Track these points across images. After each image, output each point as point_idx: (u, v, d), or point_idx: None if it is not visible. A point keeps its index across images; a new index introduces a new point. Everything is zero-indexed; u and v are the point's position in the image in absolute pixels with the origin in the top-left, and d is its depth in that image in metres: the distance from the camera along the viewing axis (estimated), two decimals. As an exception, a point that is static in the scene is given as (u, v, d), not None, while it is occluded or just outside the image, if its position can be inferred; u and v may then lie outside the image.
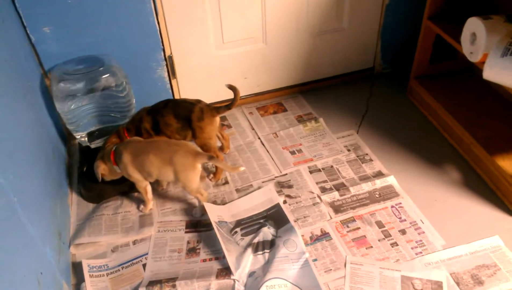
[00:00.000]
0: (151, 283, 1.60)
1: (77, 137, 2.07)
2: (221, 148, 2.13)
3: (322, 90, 2.54)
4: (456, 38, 1.94)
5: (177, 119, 1.85)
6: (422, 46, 2.29)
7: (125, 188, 1.93)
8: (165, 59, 2.18)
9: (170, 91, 2.29)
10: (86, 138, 2.07)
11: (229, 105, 1.84)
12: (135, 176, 1.76)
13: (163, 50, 2.15)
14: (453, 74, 2.39)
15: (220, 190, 1.97)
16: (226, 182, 2.00)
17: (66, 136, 2.15)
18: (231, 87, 1.83)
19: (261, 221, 1.81)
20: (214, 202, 1.89)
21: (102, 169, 1.75)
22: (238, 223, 1.81)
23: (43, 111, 1.92)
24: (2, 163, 1.26)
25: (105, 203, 1.89)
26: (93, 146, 2.06)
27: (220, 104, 1.92)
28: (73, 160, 2.10)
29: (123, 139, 1.87)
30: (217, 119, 1.89)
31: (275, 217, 1.81)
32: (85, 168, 1.94)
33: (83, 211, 1.89)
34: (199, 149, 1.80)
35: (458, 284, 1.55)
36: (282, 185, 1.97)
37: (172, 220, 1.85)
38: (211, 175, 2.01)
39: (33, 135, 1.68)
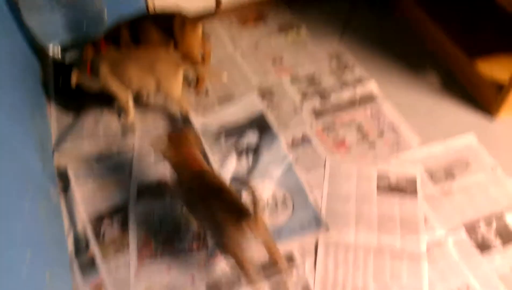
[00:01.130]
0: (141, 186, 1.64)
1: (50, 49, 1.99)
2: (202, 60, 2.09)
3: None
4: None
5: (158, 30, 1.79)
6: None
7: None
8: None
9: (144, 1, 2.18)
10: (59, 51, 2.00)
11: (209, 13, 1.77)
12: (115, 88, 1.73)
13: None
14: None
15: (202, 100, 1.96)
16: (207, 93, 1.99)
17: (38, 50, 2.07)
18: None
19: (246, 127, 1.83)
20: (196, 112, 1.89)
21: (76, 78, 1.72)
22: (223, 129, 1.84)
23: (11, 23, 1.83)
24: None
25: (85, 113, 1.88)
26: (67, 59, 2.00)
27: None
28: (47, 72, 2.03)
29: (99, 50, 1.81)
30: (199, 26, 1.83)
31: (259, 125, 1.84)
32: (60, 83, 1.90)
33: (63, 121, 1.87)
34: (179, 57, 1.77)
35: (431, 177, 1.64)
36: (263, 94, 1.97)
37: (152, 130, 1.85)
38: (193, 86, 1.99)
39: (3, 47, 1.61)
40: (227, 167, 1.68)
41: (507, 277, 1.40)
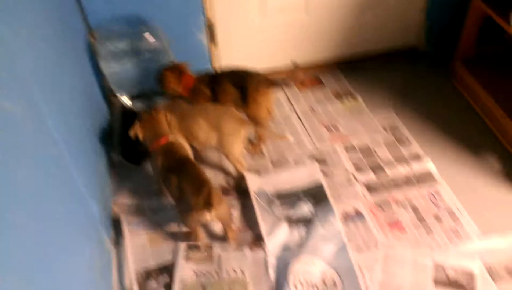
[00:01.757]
0: (189, 247, 1.64)
1: (119, 97, 2.08)
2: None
3: (362, 66, 2.48)
4: (507, 20, 1.85)
5: (235, 88, 1.82)
6: (469, 27, 2.19)
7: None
8: (206, 24, 2.14)
9: (210, 57, 2.26)
10: (128, 99, 2.08)
11: (284, 80, 1.80)
12: (181, 142, 1.77)
13: (205, 14, 2.11)
14: (500, 59, 2.29)
15: (256, 162, 1.97)
16: (262, 154, 2.00)
17: (108, 96, 2.15)
18: (294, 64, 1.75)
19: (301, 196, 1.81)
20: (251, 173, 1.90)
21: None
22: (278, 195, 1.83)
23: (88, 69, 1.93)
24: (56, 117, 1.28)
25: (145, 164, 1.92)
26: (134, 107, 2.07)
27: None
28: (114, 120, 2.10)
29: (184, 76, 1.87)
30: (272, 92, 1.85)
31: (315, 195, 1.81)
32: (126, 131, 1.95)
33: (123, 170, 1.92)
34: (245, 117, 1.80)
35: (491, 276, 1.55)
36: (317, 161, 1.96)
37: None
38: (250, 146, 2.01)
39: (79, 92, 1.70)
40: (277, 237, 1.66)
41: None
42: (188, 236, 1.64)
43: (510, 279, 1.54)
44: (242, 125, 1.72)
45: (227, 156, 1.78)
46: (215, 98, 1.86)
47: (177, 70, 1.87)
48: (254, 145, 2.00)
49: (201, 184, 1.49)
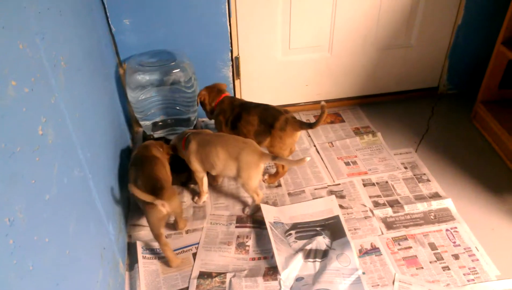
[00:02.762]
0: (202, 274, 1.65)
1: (142, 125, 2.17)
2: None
3: (382, 104, 2.52)
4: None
5: (260, 122, 1.86)
6: (492, 71, 2.22)
7: (182, 179, 2.00)
8: (232, 60, 2.25)
9: (233, 91, 2.35)
10: (151, 127, 2.17)
11: (312, 124, 1.79)
12: (196, 165, 1.83)
13: (231, 50, 2.22)
14: (521, 102, 2.30)
15: (273, 192, 2.00)
16: (279, 185, 2.03)
17: (132, 123, 2.26)
18: (323, 107, 1.76)
19: (318, 229, 1.82)
20: (266, 203, 1.93)
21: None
22: (294, 226, 1.84)
23: (116, 98, 2.04)
24: (84, 141, 1.37)
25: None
26: (156, 135, 2.16)
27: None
28: (135, 147, 2.20)
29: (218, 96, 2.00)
30: (298, 133, 1.88)
31: (332, 229, 1.82)
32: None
33: (142, 196, 1.98)
34: (264, 150, 1.84)
35: (512, 318, 1.50)
36: (334, 195, 1.97)
37: (223, 214, 1.90)
38: (266, 176, 2.05)
39: (107, 119, 1.79)
40: (291, 268, 1.65)
41: None
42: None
43: (531, 323, 1.49)
44: (261, 158, 1.75)
45: (244, 187, 1.82)
46: (237, 124, 1.90)
47: (216, 88, 1.99)
48: (271, 176, 2.04)
49: (154, 181, 1.62)
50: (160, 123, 2.19)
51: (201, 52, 2.19)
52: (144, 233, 1.82)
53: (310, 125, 1.80)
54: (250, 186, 1.79)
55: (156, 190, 1.58)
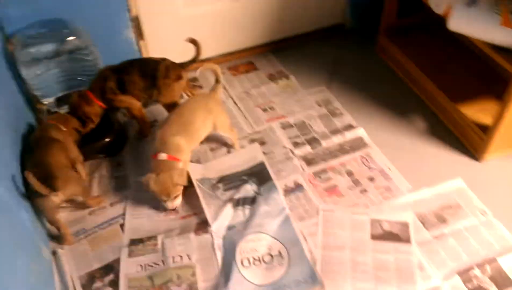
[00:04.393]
0: (133, 242, 1.64)
1: (45, 103, 2.03)
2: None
3: (293, 48, 2.55)
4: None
5: (143, 78, 1.84)
6: (389, 1, 2.31)
7: (96, 153, 1.92)
8: (132, 20, 2.13)
9: (138, 52, 2.25)
10: (55, 104, 2.03)
11: (193, 59, 1.85)
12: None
13: (129, 10, 2.10)
14: (420, 28, 2.44)
15: (194, 150, 1.98)
16: (201, 142, 2.02)
17: (33, 102, 2.10)
18: (192, 41, 1.83)
19: (244, 178, 1.85)
20: (190, 161, 1.91)
21: None
22: (221, 179, 1.85)
23: (8, 78, 1.86)
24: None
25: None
26: (62, 111, 2.03)
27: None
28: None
29: (90, 102, 1.85)
30: (183, 76, 1.89)
31: (258, 175, 1.85)
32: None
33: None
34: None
35: (423, 223, 1.66)
36: (255, 142, 2.00)
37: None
38: None
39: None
40: (222, 219, 1.68)
41: (505, 324, 1.39)
42: (58, 239, 1.64)
43: (439, 223, 1.65)
44: (214, 97, 1.88)
45: (223, 131, 1.89)
46: (124, 89, 1.86)
47: (86, 97, 1.86)
48: None
49: (45, 169, 1.54)
50: (65, 98, 2.05)
51: (96, 15, 2.04)
52: (66, 214, 1.74)
53: (192, 61, 1.88)
54: (228, 126, 1.89)
55: (48, 179, 1.50)
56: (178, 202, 1.69)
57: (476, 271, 1.51)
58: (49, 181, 1.50)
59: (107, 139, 1.92)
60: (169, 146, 1.67)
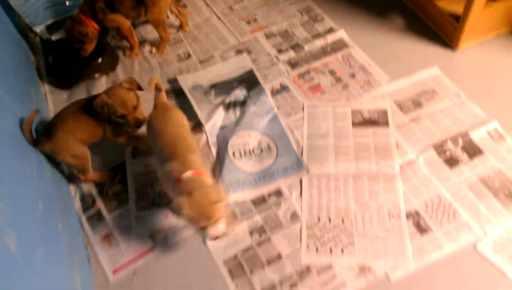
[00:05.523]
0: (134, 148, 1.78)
1: (37, 31, 2.09)
2: (181, 26, 2.20)
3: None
4: None
5: None
6: None
7: (92, 73, 2.02)
8: None
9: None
10: (46, 31, 2.10)
11: None
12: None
13: None
14: None
15: (184, 63, 2.08)
16: (189, 56, 2.11)
17: (27, 34, 2.16)
18: None
19: (235, 84, 1.95)
20: (182, 73, 2.02)
21: None
22: (213, 86, 1.96)
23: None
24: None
25: (76, 88, 2.00)
26: (54, 38, 2.10)
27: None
28: (38, 56, 2.13)
29: (84, 23, 1.91)
30: None
31: (248, 82, 1.96)
32: (50, 58, 2.01)
33: (58, 98, 1.99)
34: None
35: (401, 109, 1.78)
36: (241, 52, 2.09)
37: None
38: (154, 50, 2.12)
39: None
40: (214, 120, 1.81)
41: (474, 186, 1.55)
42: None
43: (414, 108, 1.78)
44: None
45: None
46: (114, 8, 1.91)
47: (79, 19, 1.90)
48: (157, 48, 2.12)
49: None
50: (54, 24, 2.11)
51: None
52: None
53: None
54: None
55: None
56: (221, 228, 1.34)
57: (449, 144, 1.66)
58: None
59: (100, 60, 2.01)
60: (188, 165, 1.39)
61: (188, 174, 1.35)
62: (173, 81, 1.98)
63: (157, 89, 1.60)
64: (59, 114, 1.61)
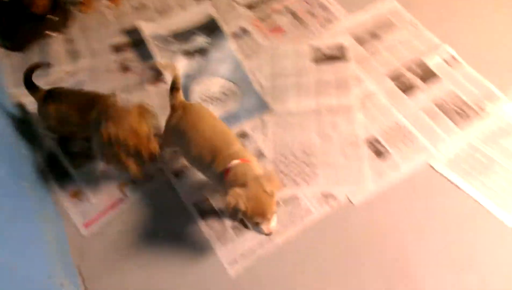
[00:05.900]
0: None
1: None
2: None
3: None
4: None
5: None
6: None
7: (44, 30, 1.96)
8: None
9: None
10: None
11: None
12: None
13: None
14: None
15: (143, 14, 2.03)
16: (145, 6, 2.06)
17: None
18: None
19: (195, 31, 1.93)
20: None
21: None
22: (174, 35, 1.93)
23: None
24: None
25: (31, 51, 1.94)
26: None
27: None
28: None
29: None
30: None
31: (209, 28, 1.94)
32: (4, 20, 1.94)
33: (13, 62, 1.93)
34: None
35: (359, 42, 1.80)
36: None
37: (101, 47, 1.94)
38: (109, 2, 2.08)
39: None
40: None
41: (429, 110, 1.61)
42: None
43: (371, 38, 1.80)
44: None
45: None
46: None
47: None
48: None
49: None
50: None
51: None
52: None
53: None
54: None
55: None
56: (275, 223, 1.25)
57: (406, 73, 1.70)
58: None
59: (51, 15, 1.95)
60: (235, 156, 1.28)
61: (236, 162, 1.25)
62: (131, 32, 1.95)
63: (174, 88, 1.42)
64: (67, 92, 1.55)
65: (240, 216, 1.19)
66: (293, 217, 1.44)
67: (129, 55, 1.90)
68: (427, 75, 1.68)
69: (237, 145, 1.31)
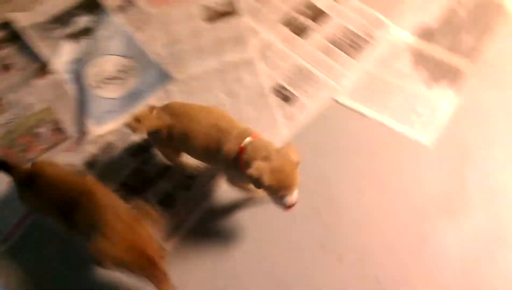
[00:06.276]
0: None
1: None
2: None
3: None
4: None
5: None
6: None
7: None
8: None
9: None
10: None
11: None
12: None
13: None
14: None
15: (13, 3, 1.83)
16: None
17: None
18: None
19: (74, 12, 1.79)
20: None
21: None
22: (53, 20, 1.78)
23: None
24: None
25: None
26: None
27: None
28: None
29: None
30: None
31: (88, 6, 1.80)
32: None
33: None
34: None
35: (247, -6, 1.79)
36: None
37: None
38: None
39: None
40: (62, 55, 1.67)
41: (324, 48, 1.66)
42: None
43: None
44: None
45: None
46: None
47: None
48: None
49: None
50: None
51: None
52: None
53: None
54: None
55: None
56: (296, 194, 1.19)
57: (295, 15, 1.72)
58: None
59: None
60: (245, 132, 1.22)
61: (249, 139, 1.19)
62: (5, 26, 1.76)
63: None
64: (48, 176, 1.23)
65: (263, 189, 1.14)
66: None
67: (7, 52, 1.72)
68: (317, 14, 1.72)
69: (239, 124, 1.26)
